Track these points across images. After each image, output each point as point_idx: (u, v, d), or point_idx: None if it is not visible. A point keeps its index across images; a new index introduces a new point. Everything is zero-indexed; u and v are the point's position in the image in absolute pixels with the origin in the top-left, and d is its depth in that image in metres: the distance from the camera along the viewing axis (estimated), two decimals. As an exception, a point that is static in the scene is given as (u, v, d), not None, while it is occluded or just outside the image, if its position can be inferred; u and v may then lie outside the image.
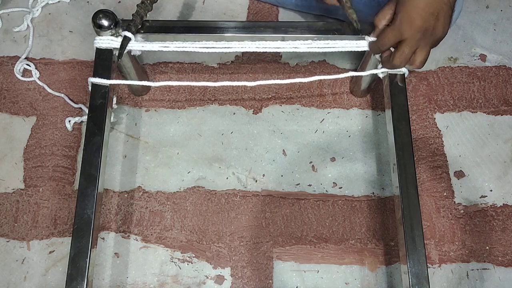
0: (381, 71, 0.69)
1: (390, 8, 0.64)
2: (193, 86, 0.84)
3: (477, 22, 0.91)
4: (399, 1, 0.61)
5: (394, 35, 0.62)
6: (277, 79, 0.84)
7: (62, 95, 0.83)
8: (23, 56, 0.86)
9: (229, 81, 0.85)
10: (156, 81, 0.85)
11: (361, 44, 0.69)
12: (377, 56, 0.69)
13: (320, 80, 0.85)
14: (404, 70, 0.68)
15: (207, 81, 0.85)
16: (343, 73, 0.72)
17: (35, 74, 0.85)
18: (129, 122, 0.82)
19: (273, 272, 0.73)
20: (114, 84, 0.67)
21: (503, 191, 0.78)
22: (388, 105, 0.68)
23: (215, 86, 0.84)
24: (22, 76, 0.85)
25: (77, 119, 0.81)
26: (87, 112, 0.81)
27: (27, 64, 0.85)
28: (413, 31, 0.61)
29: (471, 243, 0.75)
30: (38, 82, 0.84)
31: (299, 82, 0.85)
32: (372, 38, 0.67)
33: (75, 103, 0.83)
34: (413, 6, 0.60)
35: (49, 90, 0.83)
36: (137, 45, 0.68)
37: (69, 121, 0.80)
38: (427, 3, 0.59)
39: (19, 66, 0.85)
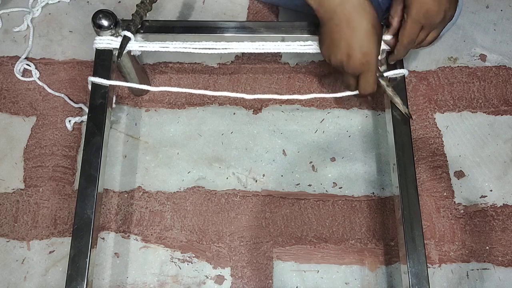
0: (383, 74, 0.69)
1: (399, 3, 0.62)
2: (193, 86, 0.85)
3: (477, 22, 0.91)
4: None
5: (416, 28, 0.61)
6: (277, 79, 0.85)
7: (62, 95, 0.83)
8: (23, 56, 0.86)
9: (228, 82, 0.85)
10: (156, 82, 0.85)
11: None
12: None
13: (320, 80, 0.85)
14: (404, 71, 0.68)
15: (207, 81, 0.85)
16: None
17: (35, 74, 0.85)
18: (129, 122, 0.82)
19: (273, 272, 0.73)
20: (113, 84, 0.67)
21: (503, 191, 0.78)
22: (388, 105, 0.68)
23: (215, 86, 0.85)
24: (22, 76, 0.85)
25: (77, 119, 0.81)
26: (87, 111, 0.81)
27: (27, 64, 0.85)
28: (432, 19, 0.60)
29: (471, 243, 0.75)
30: (38, 82, 0.84)
31: (298, 82, 0.85)
32: (388, 37, 0.66)
33: (75, 103, 0.83)
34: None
35: (49, 90, 0.83)
36: (136, 45, 0.68)
37: (69, 121, 0.81)
38: None
39: (19, 66, 0.85)
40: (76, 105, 0.82)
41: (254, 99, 0.84)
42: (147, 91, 0.84)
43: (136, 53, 0.71)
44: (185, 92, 0.84)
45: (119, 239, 0.75)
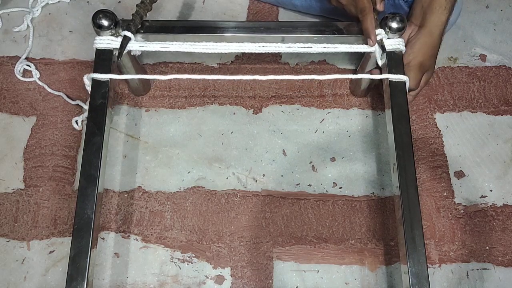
0: (381, 77, 0.69)
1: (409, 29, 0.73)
2: (193, 86, 0.85)
3: (477, 22, 0.91)
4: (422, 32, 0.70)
5: (427, 78, 0.73)
6: (277, 79, 0.85)
7: (61, 93, 0.83)
8: (23, 56, 0.86)
9: (228, 81, 0.85)
10: (156, 82, 0.85)
11: (361, 45, 0.69)
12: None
13: (320, 80, 0.85)
14: (405, 78, 0.67)
15: (208, 81, 0.85)
16: (342, 73, 0.72)
17: (35, 74, 0.85)
18: (129, 122, 0.82)
19: (273, 272, 0.73)
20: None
21: (503, 191, 0.78)
22: (388, 105, 0.68)
23: (215, 86, 0.85)
24: (22, 76, 0.85)
25: (81, 117, 0.80)
26: (85, 108, 0.81)
27: (27, 64, 0.85)
28: (433, 61, 0.73)
29: (471, 243, 0.75)
30: (38, 82, 0.84)
31: (298, 82, 0.85)
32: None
33: (72, 100, 0.82)
34: (436, 48, 0.72)
35: (49, 90, 0.83)
36: (136, 45, 0.68)
37: (76, 120, 0.80)
38: (434, 43, 0.71)
39: (19, 66, 0.85)
40: (73, 102, 0.82)
41: (254, 99, 0.84)
42: (148, 91, 0.84)
43: (136, 53, 0.71)
44: (185, 92, 0.84)
45: (119, 239, 0.75)
